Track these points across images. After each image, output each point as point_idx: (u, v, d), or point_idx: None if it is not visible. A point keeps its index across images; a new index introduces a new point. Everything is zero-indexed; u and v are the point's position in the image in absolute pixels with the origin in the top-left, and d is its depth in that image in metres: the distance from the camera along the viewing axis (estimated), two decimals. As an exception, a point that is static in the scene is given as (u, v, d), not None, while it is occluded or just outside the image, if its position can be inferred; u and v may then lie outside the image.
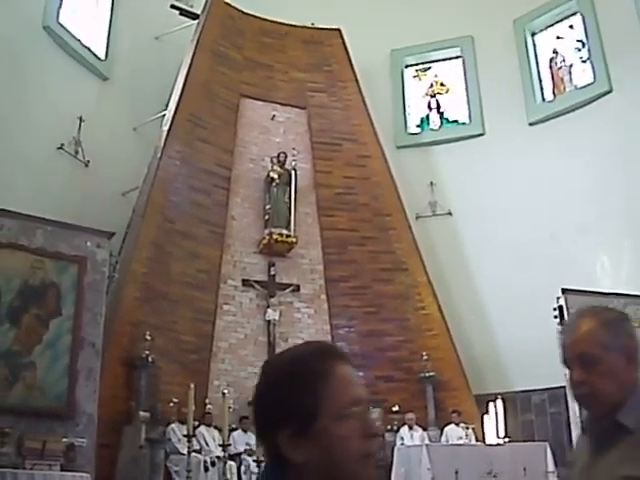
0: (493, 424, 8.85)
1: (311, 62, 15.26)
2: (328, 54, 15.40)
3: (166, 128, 12.94)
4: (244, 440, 11.25)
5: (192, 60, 13.68)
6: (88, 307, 8.55)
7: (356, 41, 15.30)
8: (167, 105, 13.39)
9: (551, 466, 8.86)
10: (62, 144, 12.09)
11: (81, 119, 12.43)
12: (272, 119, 14.61)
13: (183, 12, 14.73)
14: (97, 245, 8.88)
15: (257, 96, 14.63)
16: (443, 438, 12.15)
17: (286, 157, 13.93)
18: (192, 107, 13.44)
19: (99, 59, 13.43)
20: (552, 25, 15.53)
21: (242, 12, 14.94)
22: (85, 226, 8.92)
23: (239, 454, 11.02)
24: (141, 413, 10.23)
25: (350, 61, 15.22)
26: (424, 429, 12.39)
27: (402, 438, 12.15)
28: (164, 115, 13.30)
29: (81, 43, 12.92)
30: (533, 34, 15.70)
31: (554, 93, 15.08)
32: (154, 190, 12.32)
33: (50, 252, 8.42)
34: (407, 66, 16.93)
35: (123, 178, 12.76)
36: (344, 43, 15.32)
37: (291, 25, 15.38)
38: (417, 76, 16.98)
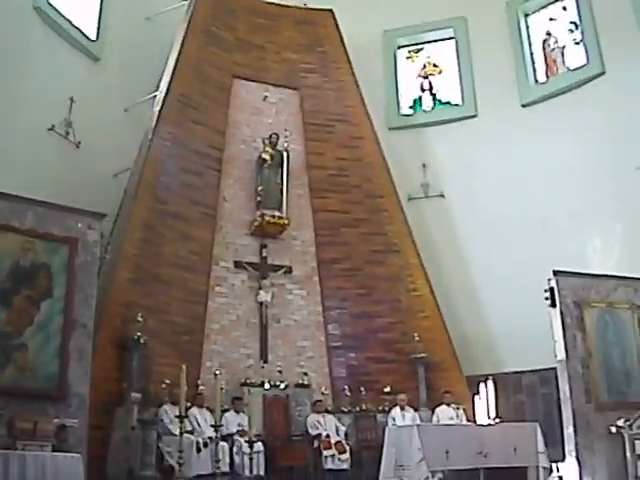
0: (484, 405, 8.89)
1: (303, 43, 15.17)
2: (321, 35, 15.31)
3: (157, 109, 12.87)
4: (236, 421, 11.29)
5: (184, 41, 13.59)
6: (79, 288, 8.53)
7: (349, 22, 15.24)
8: (158, 86, 13.30)
9: (541, 446, 8.92)
10: (53, 125, 12.03)
11: (72, 100, 12.36)
12: (264, 100, 14.55)
13: (174, -8, 14.62)
14: (88, 226, 8.84)
15: (249, 77, 14.55)
16: (434, 419, 12.23)
17: (278, 138, 13.88)
18: (184, 88, 13.37)
19: (90, 40, 13.33)
20: (545, 7, 15.47)
21: (234, -8, 14.84)
22: (76, 207, 8.87)
23: (231, 435, 11.05)
24: (133, 394, 10.25)
25: (343, 42, 15.15)
26: (415, 410, 12.46)
27: (393, 419, 12.22)
28: (155, 96, 13.22)
29: (72, 24, 12.81)
30: (526, 15, 15.65)
31: (547, 75, 15.05)
32: (145, 171, 12.27)
33: (41, 233, 8.38)
34: (400, 47, 16.86)
35: (114, 159, 12.70)
36: (337, 24, 15.25)
37: (283, 6, 15.30)
38: (410, 57, 16.92)
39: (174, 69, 13.23)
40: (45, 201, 8.59)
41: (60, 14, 12.48)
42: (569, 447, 10.45)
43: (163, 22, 14.34)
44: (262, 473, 10.73)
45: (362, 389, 12.83)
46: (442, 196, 15.12)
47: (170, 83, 13.09)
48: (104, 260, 9.53)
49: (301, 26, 15.29)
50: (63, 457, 6.74)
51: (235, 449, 10.93)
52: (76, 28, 12.92)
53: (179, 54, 13.41)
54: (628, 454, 9.90)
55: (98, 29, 13.61)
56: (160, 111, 12.80)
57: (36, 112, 11.63)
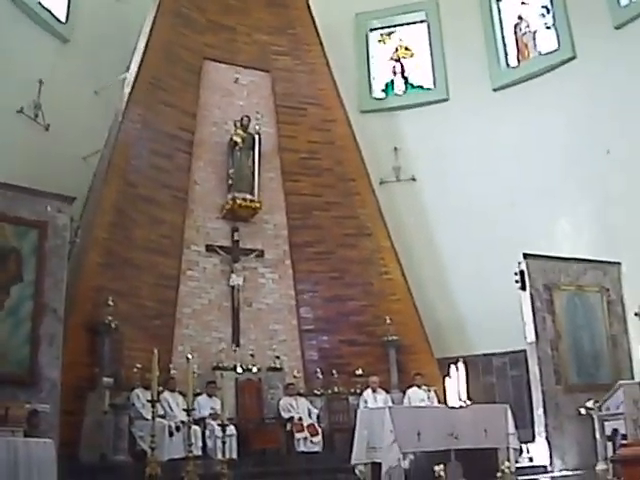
0: (455, 387, 8.94)
1: (275, 25, 15.05)
2: (292, 17, 15.21)
3: (127, 91, 12.73)
4: (209, 405, 11.30)
5: (154, 22, 13.42)
6: (49, 273, 8.49)
7: (320, 4, 15.18)
8: (128, 68, 13.15)
9: (511, 428, 9.00)
10: (22, 107, 11.88)
11: (41, 82, 12.21)
12: (235, 82, 14.45)
13: (144, -28, 14.43)
14: (58, 210, 8.78)
15: (220, 59, 14.42)
16: (405, 400, 12.31)
17: (249, 121, 13.80)
18: (154, 70, 13.23)
19: (59, 21, 13.15)
20: (517, -10, 15.52)
21: (205, -27, 14.68)
22: (45, 191, 8.81)
23: (204, 419, 11.07)
24: (105, 379, 10.22)
25: (314, 24, 15.06)
26: (387, 392, 12.55)
27: (365, 401, 12.30)
28: (125, 78, 13.07)
29: (41, 5, 12.64)
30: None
31: (518, 59, 15.11)
32: (115, 154, 12.16)
33: (10, 217, 8.32)
34: (372, 30, 16.82)
35: (84, 142, 12.57)
36: (309, 6, 15.14)
37: (255, -13, 15.18)
38: (382, 40, 16.89)
39: (144, 51, 13.09)
40: (14, 184, 8.52)
41: (29, -5, 12.29)
42: (539, 428, 10.62)
43: (133, 3, 14.18)
44: (235, 456, 10.73)
45: (334, 372, 12.89)
46: (413, 180, 15.16)
47: (140, 65, 12.95)
48: (74, 244, 9.47)
49: (272, 8, 15.16)
50: (35, 442, 6.70)
51: (208, 433, 10.95)
52: (45, 9, 12.75)
53: (149, 35, 13.26)
54: (597, 435, 10.08)
55: (68, 10, 13.41)
56: (130, 93, 12.67)
57: (5, 94, 11.48)
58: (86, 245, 11.13)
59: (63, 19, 13.28)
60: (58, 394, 8.24)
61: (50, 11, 12.89)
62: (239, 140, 13.56)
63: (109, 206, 11.90)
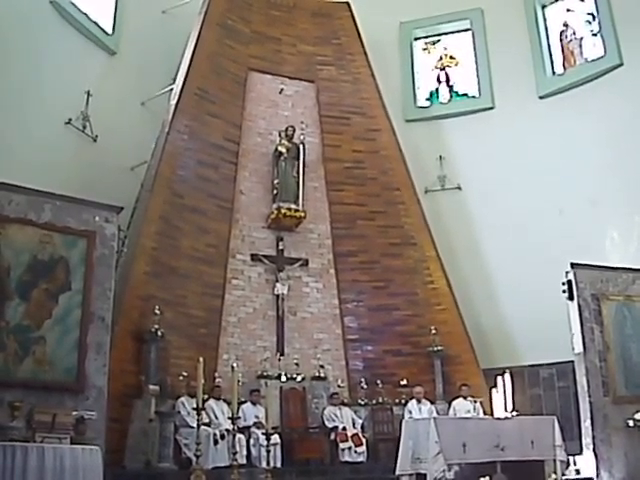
0: (501, 398, 8.86)
1: (320, 35, 15.13)
2: (337, 27, 15.27)
3: (174, 102, 12.89)
4: (253, 413, 11.35)
5: (199, 34, 13.59)
6: (97, 281, 8.57)
7: (365, 14, 15.20)
8: (175, 79, 13.33)
9: (559, 440, 8.88)
10: (70, 119, 12.09)
11: (89, 94, 12.41)
12: (280, 93, 14.54)
13: (190, -15, 14.61)
14: (105, 220, 8.87)
15: (265, 70, 14.54)
16: (451, 412, 12.22)
17: (294, 131, 13.87)
18: (200, 81, 13.38)
19: (106, 33, 13.36)
20: (562, -2, 15.37)
21: (250, -15, 14.82)
22: (93, 201, 8.90)
23: (248, 427, 11.12)
24: (151, 387, 10.31)
25: (359, 34, 15.10)
26: (432, 402, 12.46)
27: (410, 411, 12.22)
28: (172, 89, 13.24)
29: (88, 17, 12.84)
30: (543, 7, 15.53)
31: (564, 66, 14.94)
32: (162, 164, 12.31)
33: (59, 227, 8.42)
34: (416, 39, 16.79)
35: (131, 152, 12.76)
36: (353, 16, 15.20)
37: (299, -2, 15.27)
38: (426, 49, 16.85)
39: (190, 62, 13.25)
40: (63, 195, 8.62)
41: (77, 8, 12.50)
42: (586, 440, 10.42)
43: (179, 15, 14.34)
44: (279, 465, 10.77)
45: (378, 382, 12.84)
46: (459, 188, 15.07)
47: (186, 76, 13.11)
48: (122, 253, 9.60)
49: (317, 18, 15.25)
50: (81, 449, 6.78)
51: (252, 441, 11.01)
52: (93, 22, 12.95)
53: (195, 47, 13.42)
54: (646, 447, 9.86)
55: (114, 23, 13.62)
56: (176, 104, 12.83)
57: (53, 106, 11.70)
58: (133, 254, 11.28)
59: (110, 31, 13.48)
60: (105, 401, 8.31)
61: (97, 23, 13.09)
62: (284, 150, 13.62)
63: (156, 216, 12.03)
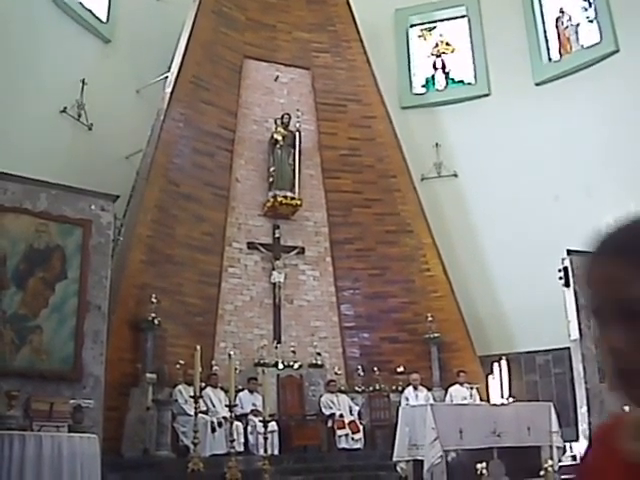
0: (497, 384, 8.88)
1: (315, 22, 15.08)
2: (332, 14, 15.21)
3: (169, 90, 12.85)
4: (250, 401, 11.37)
5: (194, 21, 13.53)
6: (93, 270, 8.57)
7: (360, 0, 15.12)
8: (170, 67, 13.27)
9: (555, 426, 8.91)
10: (65, 107, 12.05)
11: (84, 82, 12.35)
12: (276, 80, 14.50)
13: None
14: (101, 208, 8.86)
15: (260, 57, 14.49)
16: (447, 398, 12.25)
17: (290, 118, 13.83)
18: (195, 69, 13.34)
19: (101, 21, 13.30)
20: (559, -16, 15.32)
21: (245, -29, 14.75)
22: (89, 189, 8.90)
23: (245, 415, 11.14)
24: (148, 375, 10.33)
25: (354, 21, 15.04)
26: (429, 389, 12.50)
27: (407, 398, 12.26)
28: (167, 77, 13.19)
29: (82, 5, 12.78)
30: (540, -7, 15.50)
31: (560, 53, 14.90)
32: (158, 153, 12.28)
33: (54, 215, 8.41)
34: (412, 25, 16.73)
35: (126, 141, 12.73)
36: (348, 3, 15.13)
37: (294, -16, 15.21)
38: (422, 36, 16.80)
39: (185, 50, 13.20)
40: (58, 183, 8.61)
41: (70, -5, 12.45)
42: (582, 427, 10.46)
43: (174, 2, 14.26)
44: (276, 452, 10.81)
45: (375, 369, 12.87)
46: (455, 175, 15.06)
47: (181, 64, 13.06)
48: (118, 242, 9.57)
49: (312, 5, 15.18)
50: (79, 438, 6.79)
51: (249, 429, 11.03)
52: (87, 10, 12.89)
53: (190, 35, 13.36)
54: (643, 434, 9.87)
55: (109, 10, 13.55)
56: (172, 92, 12.78)
57: (48, 95, 11.66)
58: (129, 243, 11.26)
59: (104, 19, 13.41)
60: (102, 390, 8.32)
61: (91, 11, 13.02)
62: (280, 138, 13.60)
63: (152, 204, 12.02)
